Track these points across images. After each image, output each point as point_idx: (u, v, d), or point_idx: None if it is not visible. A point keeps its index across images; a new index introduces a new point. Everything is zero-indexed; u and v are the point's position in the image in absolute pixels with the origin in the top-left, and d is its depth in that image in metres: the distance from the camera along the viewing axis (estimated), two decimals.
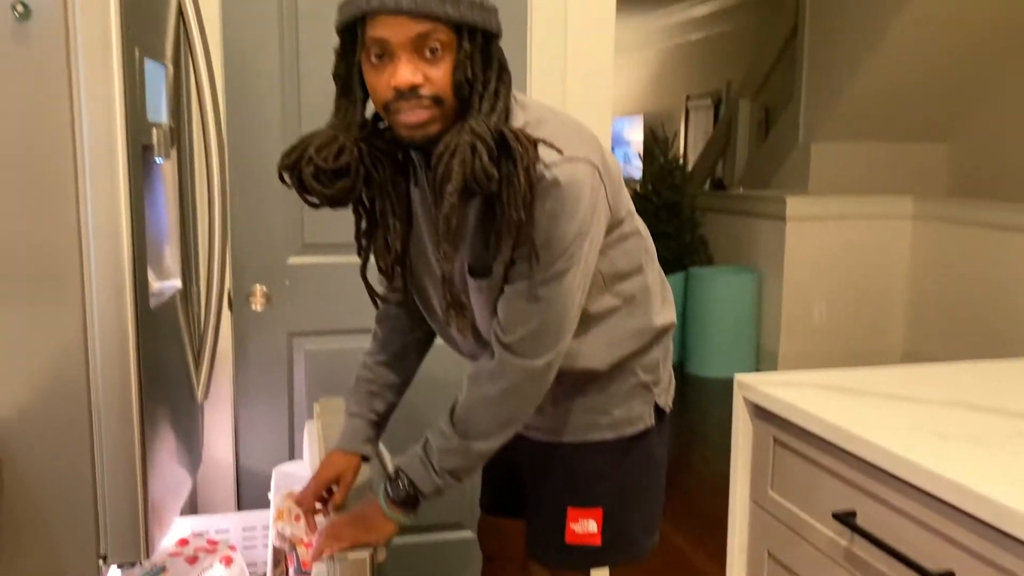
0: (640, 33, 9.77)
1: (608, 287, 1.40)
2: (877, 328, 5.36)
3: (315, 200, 1.24)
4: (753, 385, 1.49)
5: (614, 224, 1.36)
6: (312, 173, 1.21)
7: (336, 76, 1.24)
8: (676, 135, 6.86)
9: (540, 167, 1.18)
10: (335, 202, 1.25)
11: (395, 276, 1.36)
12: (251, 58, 2.10)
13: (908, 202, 5.25)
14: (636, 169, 7.45)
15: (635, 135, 9.88)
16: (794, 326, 5.26)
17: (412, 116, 1.17)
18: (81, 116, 1.29)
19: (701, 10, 8.45)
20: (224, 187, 1.66)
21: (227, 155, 2.05)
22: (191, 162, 1.92)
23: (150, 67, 1.46)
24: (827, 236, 5.21)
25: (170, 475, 1.60)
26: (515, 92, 1.29)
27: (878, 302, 5.34)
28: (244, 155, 2.13)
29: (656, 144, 6.15)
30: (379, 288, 1.49)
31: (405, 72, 1.14)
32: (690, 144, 8.55)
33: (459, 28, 1.15)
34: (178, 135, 1.69)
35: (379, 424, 1.56)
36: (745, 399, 1.53)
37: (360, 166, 1.23)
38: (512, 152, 1.15)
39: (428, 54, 1.15)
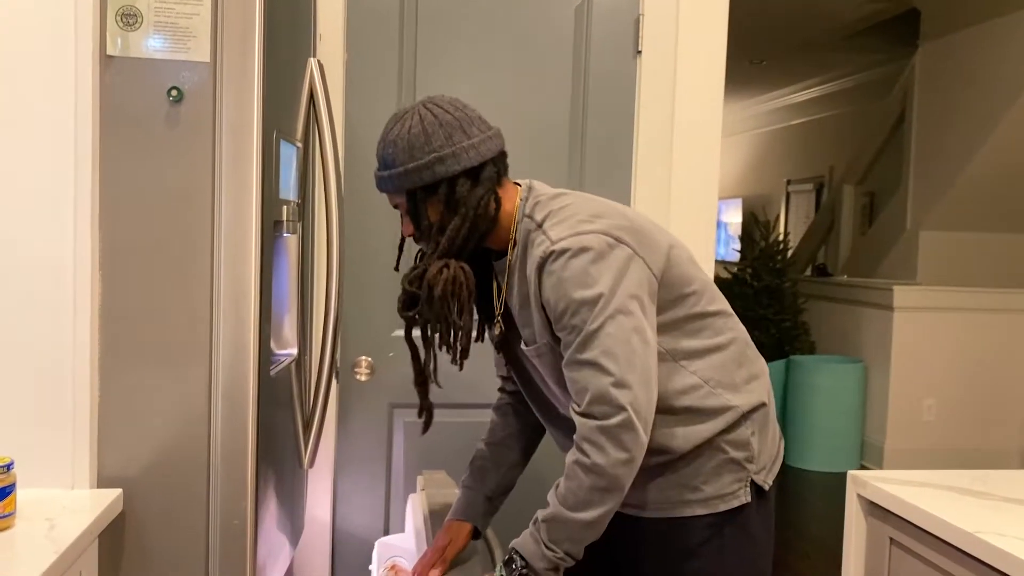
0: (740, 117, 9.80)
1: (682, 365, 1.42)
2: (991, 427, 5.09)
3: None
4: (868, 482, 1.43)
5: (675, 299, 1.40)
6: None
7: None
8: (777, 219, 6.79)
9: (548, 244, 1.33)
10: None
11: (465, 355, 1.48)
12: (369, 145, 2.20)
13: None
14: (735, 252, 7.38)
15: (734, 218, 9.82)
16: (901, 421, 5.04)
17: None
18: (221, 192, 1.37)
19: (802, 96, 8.43)
20: (342, 261, 1.73)
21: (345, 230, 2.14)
22: (312, 236, 2.01)
23: (284, 148, 1.55)
24: (937, 328, 5.01)
25: (274, 541, 1.64)
26: (542, 189, 1.46)
27: (992, 400, 5.08)
28: (356, 230, 2.22)
29: (757, 227, 6.10)
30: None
31: (403, 227, 1.45)
32: (790, 229, 8.43)
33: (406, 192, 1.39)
34: (303, 211, 1.77)
35: (492, 500, 1.61)
36: (859, 496, 1.47)
37: None
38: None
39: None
